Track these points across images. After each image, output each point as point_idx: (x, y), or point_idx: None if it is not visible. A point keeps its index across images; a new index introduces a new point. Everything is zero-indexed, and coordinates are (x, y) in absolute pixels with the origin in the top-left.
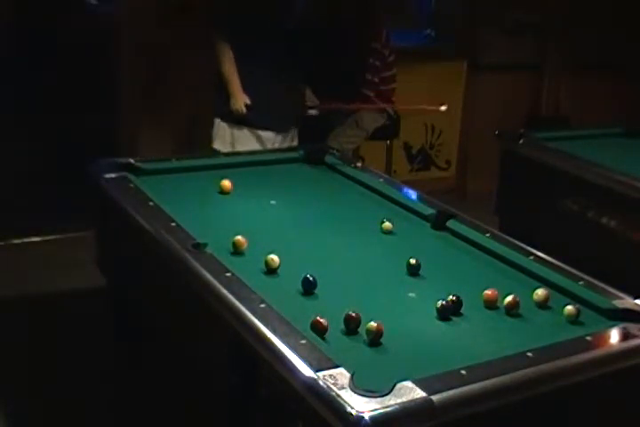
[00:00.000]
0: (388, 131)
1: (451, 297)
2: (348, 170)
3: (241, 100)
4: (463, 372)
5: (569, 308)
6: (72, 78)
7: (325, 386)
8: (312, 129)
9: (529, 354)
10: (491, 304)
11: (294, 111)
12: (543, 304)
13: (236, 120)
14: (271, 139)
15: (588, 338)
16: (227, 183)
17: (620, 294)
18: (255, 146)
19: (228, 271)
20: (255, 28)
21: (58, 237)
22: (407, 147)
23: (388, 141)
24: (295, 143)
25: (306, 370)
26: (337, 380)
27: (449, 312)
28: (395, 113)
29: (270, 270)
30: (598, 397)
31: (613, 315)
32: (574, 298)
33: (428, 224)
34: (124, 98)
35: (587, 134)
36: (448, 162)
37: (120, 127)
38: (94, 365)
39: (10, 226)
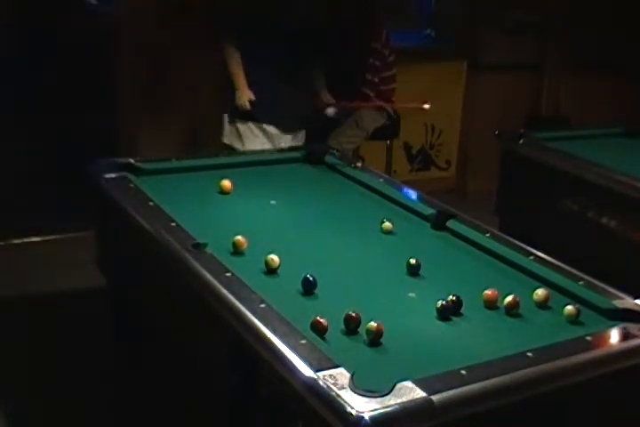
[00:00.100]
0: (388, 131)
1: (451, 297)
2: (348, 170)
3: (245, 96)
4: (463, 372)
5: (569, 308)
6: (72, 78)
7: (325, 386)
8: (312, 129)
9: (529, 354)
10: (491, 304)
11: (302, 111)
12: (543, 304)
13: (241, 115)
14: (278, 135)
15: (588, 338)
16: (227, 183)
17: (620, 294)
18: (262, 140)
19: (228, 271)
20: (260, 29)
21: (58, 237)
22: (407, 147)
23: (388, 141)
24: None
25: (306, 370)
26: (337, 380)
27: (449, 312)
28: (395, 113)
29: (270, 270)
30: (598, 397)
31: (613, 315)
32: (574, 298)
33: (428, 224)
34: (124, 98)
35: (587, 134)
36: (448, 162)
37: (120, 127)
38: (94, 365)
39: (10, 226)
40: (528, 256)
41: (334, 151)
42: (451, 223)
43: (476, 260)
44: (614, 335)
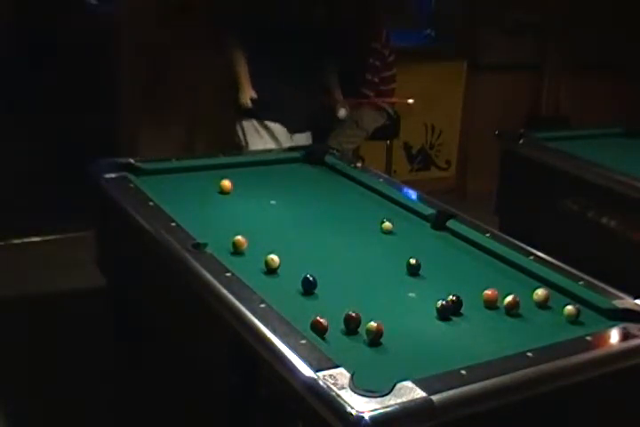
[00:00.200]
0: (388, 131)
1: (451, 297)
2: (348, 170)
3: (247, 94)
4: (463, 372)
5: (569, 308)
6: (72, 78)
7: (325, 386)
8: (316, 128)
9: (529, 354)
10: (491, 304)
11: (309, 111)
12: (543, 304)
13: (244, 113)
14: (283, 134)
15: (588, 338)
16: (227, 183)
17: (620, 294)
18: (266, 140)
19: (228, 271)
20: (265, 28)
21: (58, 237)
22: (407, 147)
23: (388, 141)
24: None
25: (306, 370)
26: (337, 380)
27: (449, 312)
28: (395, 113)
29: (270, 270)
30: (598, 397)
31: (613, 315)
32: (574, 298)
33: (428, 224)
34: (124, 98)
35: (587, 134)
36: (448, 162)
37: (120, 127)
38: (94, 365)
39: (10, 226)
40: (528, 256)
41: (334, 151)
42: (451, 223)
43: (475, 260)
44: (614, 335)
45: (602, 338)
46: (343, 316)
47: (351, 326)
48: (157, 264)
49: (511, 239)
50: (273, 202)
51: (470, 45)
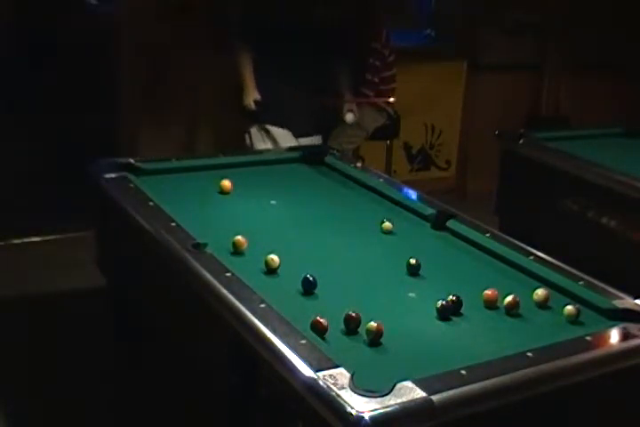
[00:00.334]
0: (388, 131)
1: (451, 297)
2: (348, 170)
3: (251, 97)
4: (463, 372)
5: (569, 308)
6: (72, 78)
7: (325, 386)
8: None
9: (529, 354)
10: (491, 304)
11: (316, 114)
12: (543, 304)
13: (247, 116)
14: (288, 138)
15: (588, 338)
16: (227, 183)
17: (620, 294)
18: (267, 145)
19: (228, 271)
20: (269, 31)
21: (58, 237)
22: (407, 147)
23: (388, 141)
24: None
25: (306, 370)
26: (337, 380)
27: (449, 312)
28: (395, 113)
29: (270, 270)
30: (598, 397)
31: (613, 315)
32: (574, 298)
33: (428, 224)
34: (124, 98)
35: (587, 134)
36: (448, 162)
37: (120, 127)
38: (94, 365)
39: (10, 226)
40: (528, 256)
41: (334, 151)
42: (451, 223)
43: (476, 260)
44: (614, 335)
45: (602, 338)
46: (343, 316)
47: (351, 326)
48: (157, 264)
49: (511, 239)
50: (273, 202)
51: (470, 45)
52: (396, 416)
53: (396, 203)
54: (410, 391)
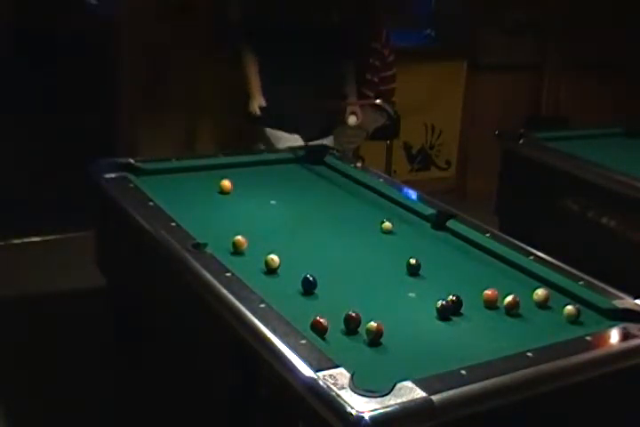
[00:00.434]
0: (388, 131)
1: (451, 297)
2: (348, 170)
3: (257, 102)
4: (463, 372)
5: (569, 308)
6: (72, 78)
7: (325, 386)
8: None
9: (529, 354)
10: (491, 304)
11: (323, 118)
12: (543, 304)
13: (252, 121)
14: (294, 141)
15: (588, 338)
16: (227, 183)
17: (620, 294)
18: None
19: (228, 271)
20: (276, 31)
21: (58, 237)
22: (407, 147)
23: (388, 141)
24: None
25: (306, 370)
26: (337, 380)
27: (449, 312)
28: (395, 113)
29: (270, 270)
30: (598, 397)
31: (613, 315)
32: (574, 298)
33: (428, 224)
34: (124, 98)
35: (587, 134)
36: (448, 162)
37: (120, 127)
38: (94, 365)
39: (10, 226)
40: (528, 256)
41: (334, 151)
42: (451, 223)
43: (475, 260)
44: (614, 335)
45: (602, 338)
46: (343, 316)
47: (351, 326)
48: (157, 264)
49: (511, 239)
50: (273, 202)
51: (470, 45)
52: (396, 416)
53: (396, 203)
54: (410, 391)
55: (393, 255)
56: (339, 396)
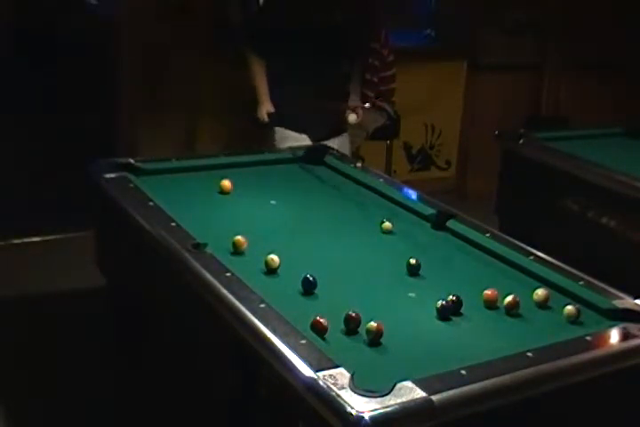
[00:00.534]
0: (388, 131)
1: (451, 297)
2: (348, 170)
3: (265, 108)
4: (463, 372)
5: (569, 308)
6: (72, 78)
7: (325, 386)
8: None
9: (529, 354)
10: (491, 304)
11: (332, 118)
12: (543, 304)
13: (260, 126)
14: (302, 141)
15: (588, 338)
16: (227, 183)
17: (620, 294)
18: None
19: (228, 271)
20: (280, 32)
21: (58, 237)
22: (407, 147)
23: (388, 141)
24: (346, 151)
25: (306, 370)
26: (337, 380)
27: (449, 312)
28: (395, 113)
29: (270, 270)
30: (598, 397)
31: (613, 315)
32: (574, 298)
33: (428, 224)
34: (124, 98)
35: (587, 134)
36: (448, 162)
37: (120, 127)
38: (94, 365)
39: (10, 226)
40: (528, 256)
41: (334, 151)
42: (451, 223)
43: (476, 260)
44: (614, 335)
45: (602, 338)
46: (343, 316)
47: (351, 326)
48: (157, 264)
49: (511, 239)
50: (273, 202)
51: (470, 45)
52: (396, 416)
53: (396, 203)
54: (410, 391)
55: (393, 255)
56: (339, 396)
